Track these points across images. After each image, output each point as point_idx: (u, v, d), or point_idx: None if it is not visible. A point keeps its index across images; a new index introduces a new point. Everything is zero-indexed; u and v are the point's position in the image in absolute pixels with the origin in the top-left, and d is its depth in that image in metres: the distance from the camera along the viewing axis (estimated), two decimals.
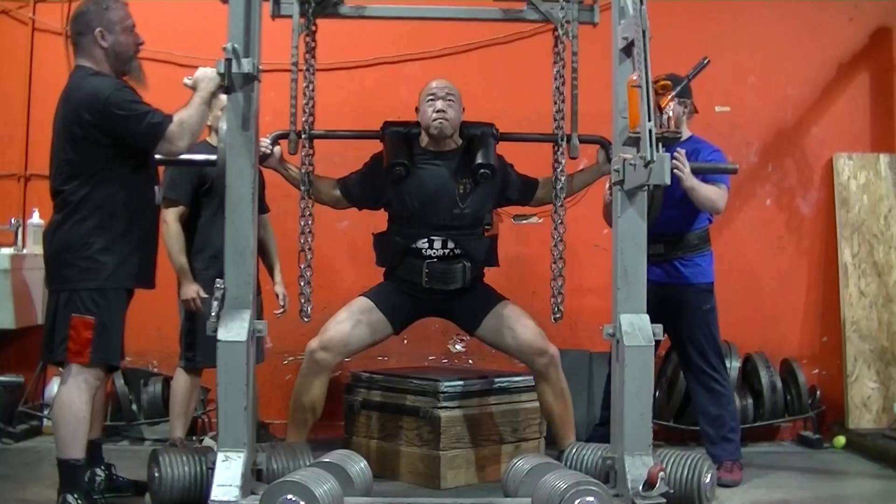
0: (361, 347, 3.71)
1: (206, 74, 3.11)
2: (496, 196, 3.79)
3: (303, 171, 3.54)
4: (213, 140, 4.00)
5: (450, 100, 3.67)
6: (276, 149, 3.57)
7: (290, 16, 3.44)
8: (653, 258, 3.67)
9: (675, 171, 3.56)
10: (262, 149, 3.45)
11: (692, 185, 3.66)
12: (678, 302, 3.80)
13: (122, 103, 3.00)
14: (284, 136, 3.58)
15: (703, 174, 3.72)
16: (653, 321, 3.19)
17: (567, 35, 3.51)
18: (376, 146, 3.78)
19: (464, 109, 3.75)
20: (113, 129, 3.00)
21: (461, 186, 3.67)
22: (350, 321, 3.64)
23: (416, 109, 3.74)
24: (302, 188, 3.54)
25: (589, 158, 3.95)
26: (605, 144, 3.61)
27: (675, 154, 3.60)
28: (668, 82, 3.30)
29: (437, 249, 3.67)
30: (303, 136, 3.51)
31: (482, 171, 3.62)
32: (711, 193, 3.72)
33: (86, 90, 3.02)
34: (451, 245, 3.67)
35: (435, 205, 3.65)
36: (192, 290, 3.77)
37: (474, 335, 3.79)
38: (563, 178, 3.56)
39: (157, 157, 3.22)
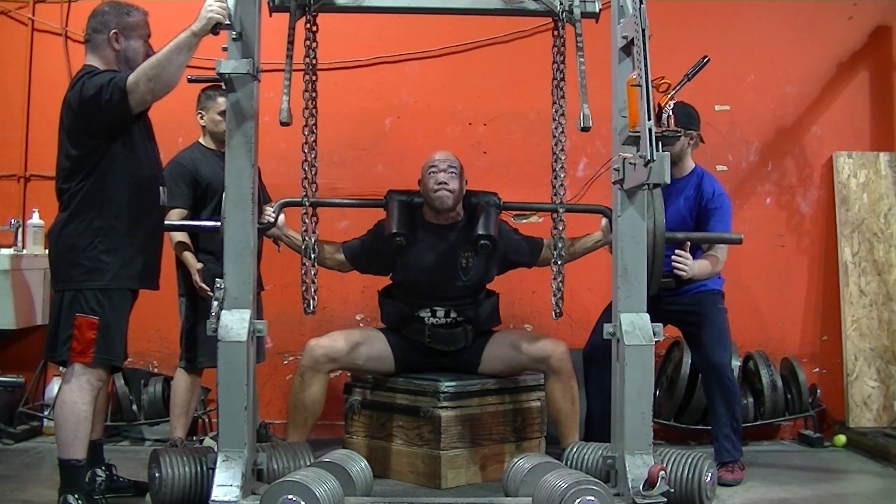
0: (355, 366, 3.81)
1: (201, 12, 2.97)
2: (499, 264, 3.86)
3: (305, 238, 3.58)
4: (205, 142, 4.00)
5: (452, 172, 3.70)
6: (281, 217, 3.63)
7: (288, 8, 3.43)
8: (664, 291, 3.68)
9: (677, 272, 3.66)
10: (267, 217, 3.51)
11: (694, 275, 3.73)
12: (696, 305, 3.85)
13: (91, 83, 3.00)
14: (290, 204, 3.63)
15: (705, 243, 3.81)
16: (663, 323, 3.23)
17: (571, 24, 3.46)
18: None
19: (467, 182, 3.79)
20: (95, 111, 2.99)
21: (464, 259, 3.74)
22: (358, 338, 3.76)
23: (419, 182, 3.78)
24: (307, 256, 3.58)
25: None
26: (607, 214, 3.60)
27: (677, 253, 3.66)
28: (668, 81, 3.29)
29: (439, 318, 3.79)
30: (306, 202, 3.55)
31: (482, 241, 3.68)
32: (712, 267, 3.81)
33: (77, 87, 3.04)
34: (453, 314, 3.79)
35: (437, 278, 3.73)
36: (195, 265, 3.76)
37: (479, 373, 3.86)
38: (560, 245, 3.59)
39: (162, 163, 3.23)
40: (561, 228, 3.60)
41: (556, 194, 3.56)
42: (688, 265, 3.68)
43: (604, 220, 3.67)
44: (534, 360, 3.73)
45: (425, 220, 3.79)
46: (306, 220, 3.57)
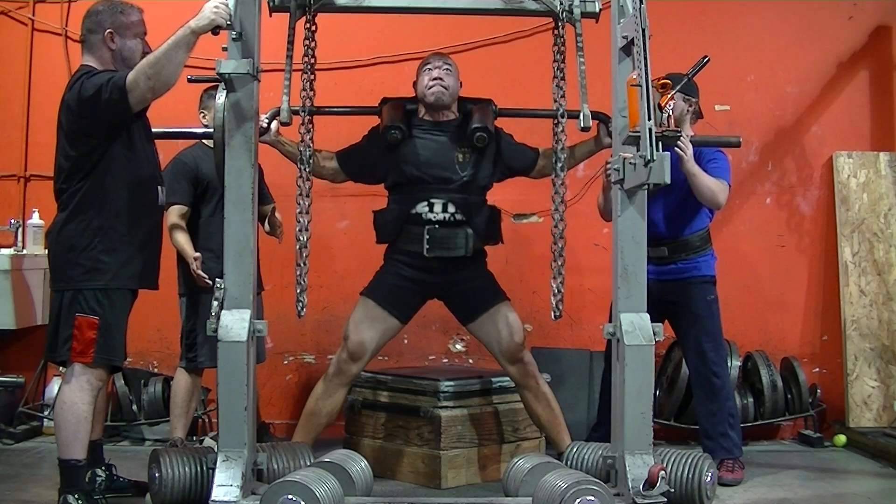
0: (378, 350, 3.69)
1: (202, 11, 2.96)
2: (496, 164, 3.72)
3: (302, 147, 3.46)
4: (207, 141, 4.00)
5: (447, 69, 3.65)
6: (274, 124, 3.53)
7: (288, 8, 3.42)
8: (656, 261, 3.68)
9: (677, 150, 3.58)
10: (260, 124, 3.38)
11: (694, 171, 3.66)
12: (683, 295, 3.83)
13: (90, 83, 3.00)
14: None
15: (704, 147, 3.74)
16: (657, 319, 3.21)
17: (571, 24, 3.45)
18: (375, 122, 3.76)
19: (461, 84, 3.71)
20: (95, 111, 2.99)
21: (460, 154, 3.64)
22: (367, 328, 3.59)
23: (414, 84, 3.72)
24: (301, 167, 3.45)
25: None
26: (604, 119, 3.58)
27: (681, 139, 3.61)
28: (668, 81, 3.30)
29: (437, 213, 3.58)
30: (302, 112, 3.45)
31: (478, 133, 3.58)
32: (712, 184, 3.72)
33: (76, 88, 3.03)
34: (451, 209, 3.59)
35: (433, 171, 3.60)
36: (191, 253, 3.75)
37: (466, 327, 3.76)
38: (563, 156, 3.50)
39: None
40: (563, 139, 3.51)
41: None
42: (689, 148, 3.62)
43: (601, 125, 3.61)
44: (502, 361, 3.66)
45: (420, 118, 3.70)
46: (302, 130, 3.47)
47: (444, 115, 3.69)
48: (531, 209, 4.73)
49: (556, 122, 3.52)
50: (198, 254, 3.75)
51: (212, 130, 3.16)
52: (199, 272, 3.70)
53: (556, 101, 3.54)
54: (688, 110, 3.87)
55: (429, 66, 3.66)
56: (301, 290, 3.45)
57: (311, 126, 3.49)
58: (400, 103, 3.70)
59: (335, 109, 3.84)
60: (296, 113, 3.45)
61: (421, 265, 3.61)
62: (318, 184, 3.63)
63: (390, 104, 3.70)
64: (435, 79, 3.61)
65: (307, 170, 3.47)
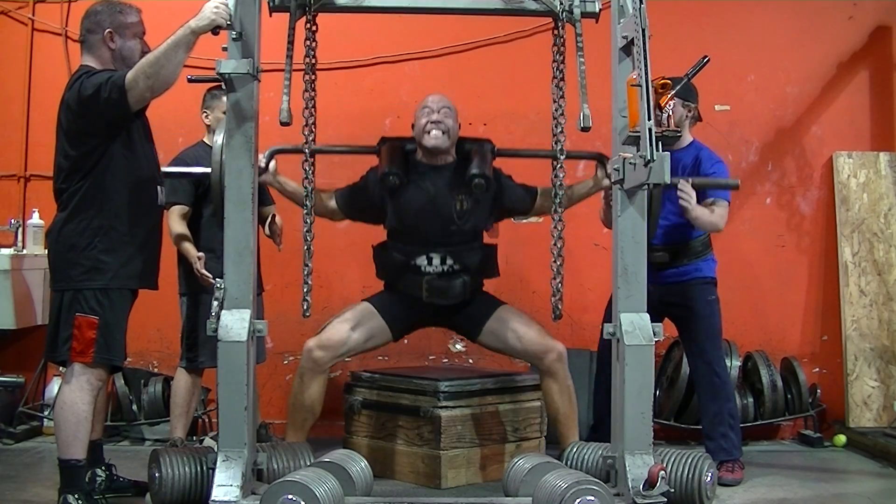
0: (358, 350, 3.74)
1: (202, 11, 2.96)
2: (494, 207, 3.78)
3: (305, 184, 3.48)
4: (209, 141, 4.00)
5: (446, 112, 3.66)
6: (272, 164, 3.58)
7: (288, 8, 3.42)
8: (657, 266, 3.69)
9: (681, 202, 3.63)
10: (259, 164, 3.41)
11: (697, 215, 3.70)
12: (684, 296, 3.84)
13: (90, 82, 3.00)
14: (281, 151, 3.60)
15: (704, 189, 3.75)
16: (658, 320, 3.21)
17: (571, 24, 3.45)
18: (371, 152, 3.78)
19: (460, 126, 3.74)
20: (94, 110, 2.99)
21: (458, 202, 3.67)
22: (350, 323, 3.65)
23: (412, 126, 3.73)
24: (306, 203, 3.48)
25: (588, 169, 3.93)
26: (602, 160, 3.62)
27: (681, 186, 3.64)
28: (668, 81, 3.30)
29: (435, 266, 3.68)
30: (305, 149, 3.48)
31: (476, 180, 3.59)
32: (714, 218, 3.77)
33: (76, 87, 3.03)
34: (449, 261, 3.67)
35: (432, 221, 3.65)
36: (195, 254, 3.75)
37: (476, 342, 3.82)
38: (561, 193, 3.52)
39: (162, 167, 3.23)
40: (562, 177, 3.53)
41: (556, 194, 3.55)
42: (692, 197, 3.64)
43: (598, 166, 3.64)
44: (530, 356, 3.69)
45: (418, 161, 3.72)
46: (306, 168, 3.48)
47: (443, 158, 3.71)
48: (532, 165, 4.71)
49: (554, 161, 3.53)
50: (201, 253, 3.75)
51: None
52: (203, 272, 3.70)
53: (555, 101, 3.54)
54: (687, 115, 3.88)
55: (427, 109, 3.67)
56: (307, 290, 3.49)
57: (313, 163, 3.51)
58: (398, 145, 3.73)
59: (335, 149, 4.04)
60: (298, 151, 3.48)
61: (420, 304, 3.71)
62: (318, 183, 3.62)
63: (388, 145, 3.72)
64: (434, 122, 3.63)
65: (311, 169, 3.47)
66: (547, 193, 3.67)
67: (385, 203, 3.71)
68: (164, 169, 3.44)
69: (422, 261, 3.67)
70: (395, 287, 3.76)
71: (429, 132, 3.63)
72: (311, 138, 3.48)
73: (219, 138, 3.20)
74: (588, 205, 4.14)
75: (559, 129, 3.53)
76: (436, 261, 3.67)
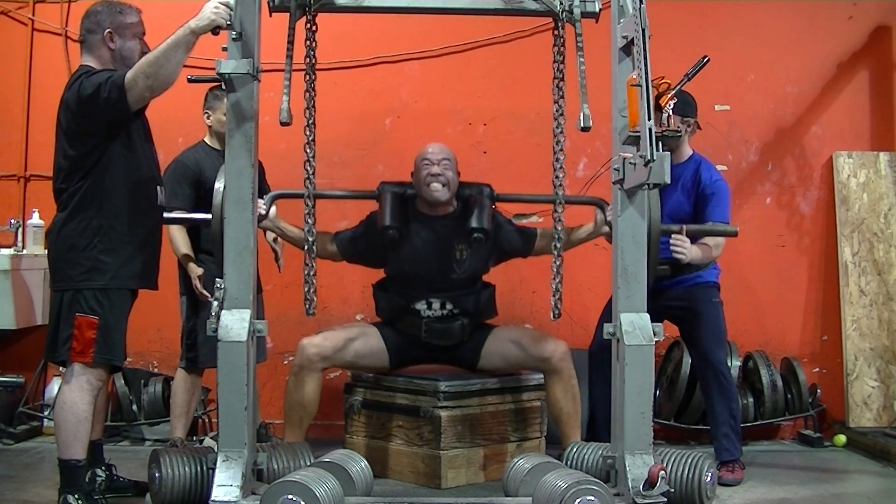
0: (351, 363, 3.80)
1: (202, 11, 2.96)
2: (493, 255, 3.83)
3: (306, 230, 3.50)
4: (210, 142, 4.00)
5: (445, 164, 3.69)
6: (273, 209, 3.61)
7: (288, 8, 3.42)
8: (659, 279, 3.68)
9: (676, 255, 3.65)
10: (259, 210, 3.44)
11: (691, 259, 3.72)
12: (688, 299, 3.85)
13: (89, 82, 3.00)
14: (282, 196, 3.63)
15: (702, 236, 3.79)
16: (659, 321, 3.21)
17: (571, 24, 3.44)
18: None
19: (459, 174, 3.76)
20: (94, 110, 2.99)
21: (457, 251, 3.72)
22: (351, 334, 3.74)
23: (412, 174, 3.76)
24: (307, 246, 3.50)
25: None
26: (602, 206, 3.63)
27: (675, 237, 3.65)
28: (668, 81, 3.30)
29: (435, 310, 3.75)
30: (306, 196, 3.49)
31: (476, 235, 3.65)
32: (710, 252, 3.80)
33: (75, 87, 3.03)
34: (449, 306, 3.75)
35: (431, 269, 3.71)
36: (196, 271, 3.75)
37: (478, 370, 3.85)
38: (562, 236, 3.54)
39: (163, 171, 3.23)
40: (562, 221, 3.55)
41: (556, 193, 3.55)
42: (686, 248, 3.66)
43: (598, 212, 3.66)
44: (535, 359, 3.73)
45: (418, 210, 3.76)
46: (308, 206, 3.49)
47: (443, 209, 3.75)
48: (531, 209, 4.73)
49: (555, 210, 3.55)
50: (200, 270, 3.75)
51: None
52: (202, 290, 3.70)
53: (555, 101, 3.54)
54: (686, 131, 3.89)
55: (426, 161, 3.69)
56: (310, 288, 3.50)
57: (313, 206, 3.50)
58: (398, 192, 3.74)
59: (335, 193, 4.11)
60: (299, 196, 3.48)
61: (420, 343, 3.77)
62: (319, 183, 3.63)
63: (388, 193, 3.73)
64: (434, 175, 3.65)
65: (312, 177, 3.48)
66: (546, 235, 3.73)
67: (385, 250, 3.76)
68: (167, 215, 3.44)
69: (421, 305, 3.75)
70: (396, 326, 3.82)
71: (429, 185, 3.67)
72: (311, 138, 3.48)
73: (219, 185, 3.19)
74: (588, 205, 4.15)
75: (559, 129, 3.52)
76: (435, 305, 3.75)
